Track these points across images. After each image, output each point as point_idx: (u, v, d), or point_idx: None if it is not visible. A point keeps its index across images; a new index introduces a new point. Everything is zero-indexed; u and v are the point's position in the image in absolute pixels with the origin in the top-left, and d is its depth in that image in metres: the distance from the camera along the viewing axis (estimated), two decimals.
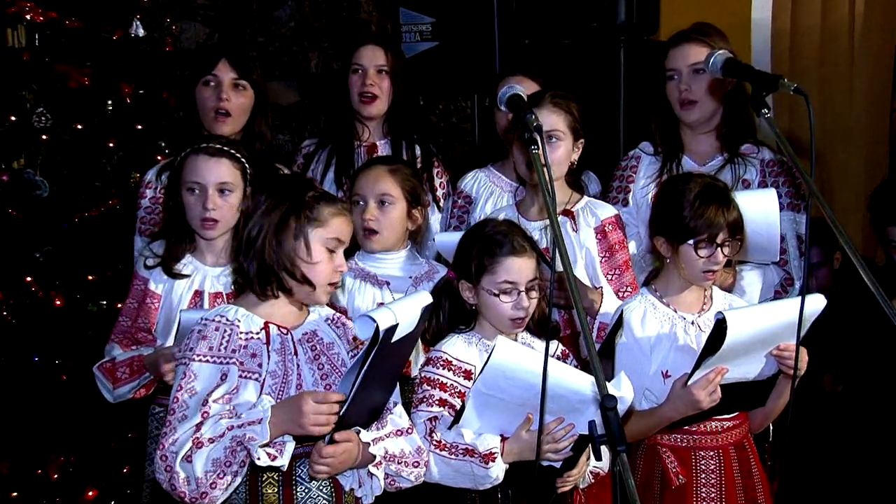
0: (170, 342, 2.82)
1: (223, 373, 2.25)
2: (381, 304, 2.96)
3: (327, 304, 2.49)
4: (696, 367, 2.56)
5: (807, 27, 5.31)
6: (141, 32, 4.04)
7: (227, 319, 2.30)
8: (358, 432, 2.30)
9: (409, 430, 2.42)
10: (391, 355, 2.30)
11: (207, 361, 2.25)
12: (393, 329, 2.19)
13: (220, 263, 2.90)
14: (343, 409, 2.20)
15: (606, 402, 1.69)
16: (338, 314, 2.49)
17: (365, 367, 2.18)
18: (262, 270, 2.31)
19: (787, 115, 5.25)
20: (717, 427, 2.70)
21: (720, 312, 2.49)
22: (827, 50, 5.28)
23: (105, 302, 3.79)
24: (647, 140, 3.44)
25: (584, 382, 2.34)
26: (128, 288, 2.98)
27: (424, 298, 2.37)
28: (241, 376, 2.26)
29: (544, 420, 2.17)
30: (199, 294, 2.87)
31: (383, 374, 2.32)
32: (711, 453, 2.70)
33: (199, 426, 2.19)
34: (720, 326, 2.47)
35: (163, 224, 3.03)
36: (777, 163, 3.29)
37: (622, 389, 2.32)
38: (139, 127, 3.97)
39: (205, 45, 5.08)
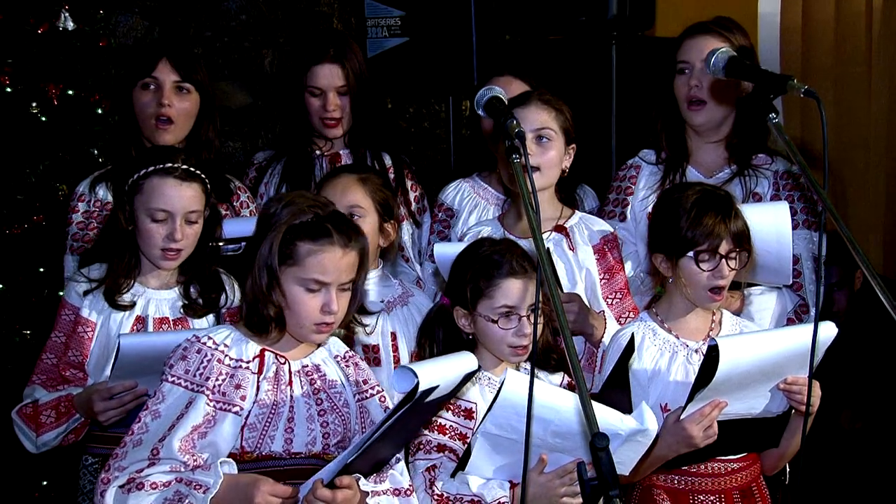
0: (104, 378, 2.78)
1: (190, 400, 2.30)
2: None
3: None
4: (690, 399, 2.57)
5: (820, 22, 5.38)
6: (70, 26, 4.04)
7: (214, 343, 2.36)
8: (357, 479, 2.33)
9: (409, 492, 2.44)
10: (418, 415, 2.38)
11: (178, 384, 2.33)
12: (431, 390, 2.24)
13: (168, 286, 2.89)
14: (352, 458, 2.25)
15: (597, 442, 1.71)
16: (351, 353, 2.54)
17: (391, 421, 2.23)
18: (248, 303, 2.40)
19: (798, 120, 5.31)
20: (719, 469, 2.71)
21: (712, 339, 2.50)
22: (842, 47, 5.35)
23: (30, 331, 3.76)
24: (644, 147, 3.46)
25: (603, 417, 2.32)
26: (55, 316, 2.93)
27: (469, 363, 2.40)
28: (217, 408, 2.31)
29: (529, 460, 2.18)
30: (141, 320, 2.84)
31: (403, 431, 2.38)
32: (712, 497, 2.71)
33: (149, 464, 2.25)
34: (711, 354, 2.49)
35: (99, 243, 2.99)
36: (791, 175, 3.31)
37: (646, 422, 2.32)
38: (68, 133, 3.96)
39: (143, 42, 5.07)
